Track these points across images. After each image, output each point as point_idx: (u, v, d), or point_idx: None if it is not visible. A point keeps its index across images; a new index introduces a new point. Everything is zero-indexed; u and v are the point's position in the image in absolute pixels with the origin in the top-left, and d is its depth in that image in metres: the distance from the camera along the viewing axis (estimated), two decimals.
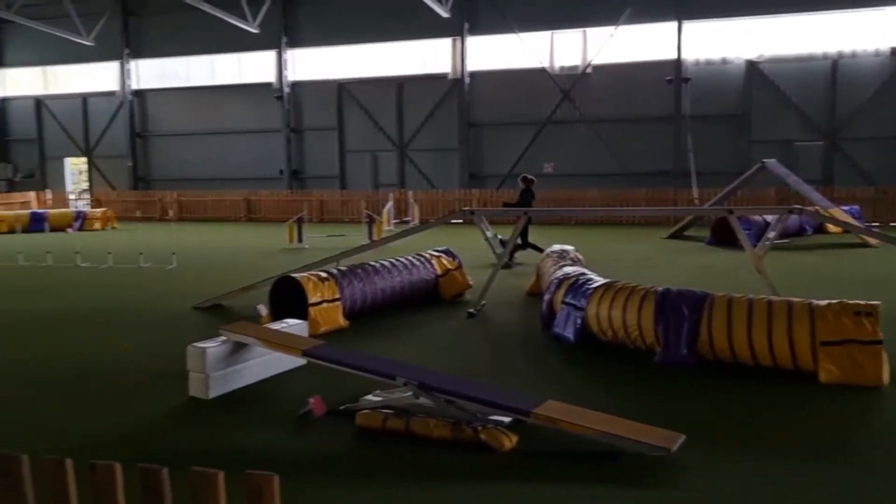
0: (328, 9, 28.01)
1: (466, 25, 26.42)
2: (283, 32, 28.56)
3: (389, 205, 22.82)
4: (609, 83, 25.25)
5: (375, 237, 17.33)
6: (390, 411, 5.29)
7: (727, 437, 5.14)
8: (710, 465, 4.61)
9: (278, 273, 9.47)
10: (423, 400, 5.26)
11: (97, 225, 24.07)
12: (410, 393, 5.32)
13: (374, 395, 5.64)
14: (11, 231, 23.03)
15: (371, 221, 18.93)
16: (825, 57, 23.43)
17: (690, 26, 24.31)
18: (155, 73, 31.06)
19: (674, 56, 24.44)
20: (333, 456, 4.92)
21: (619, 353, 7.30)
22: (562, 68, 25.78)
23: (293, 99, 29.24)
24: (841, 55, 23.30)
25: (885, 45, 22.89)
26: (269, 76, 29.26)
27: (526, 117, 26.18)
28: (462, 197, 25.42)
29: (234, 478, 2.40)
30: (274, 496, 2.11)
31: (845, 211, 17.49)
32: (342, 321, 8.74)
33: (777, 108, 23.86)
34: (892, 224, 20.84)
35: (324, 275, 9.04)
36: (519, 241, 13.51)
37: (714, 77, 24.42)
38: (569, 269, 8.90)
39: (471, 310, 9.48)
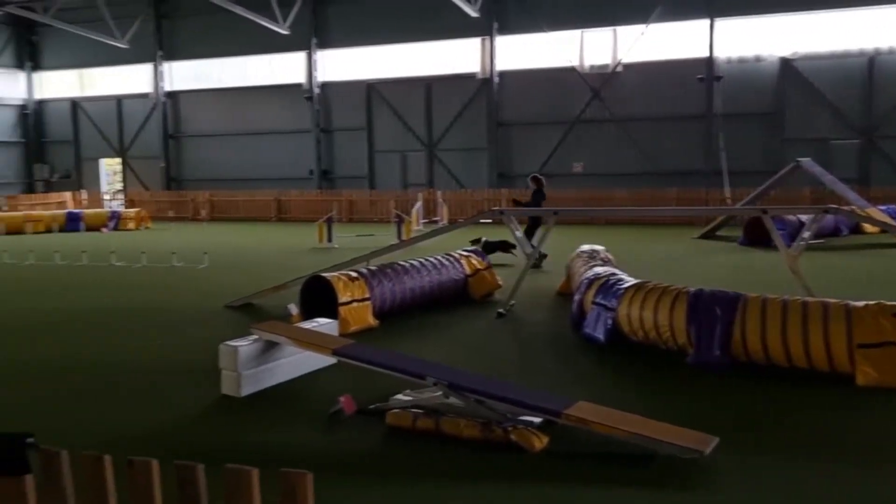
0: (357, 10, 28.14)
1: (495, 25, 26.38)
2: (313, 33, 28.75)
3: (418, 205, 22.89)
4: (639, 82, 25.05)
5: (404, 237, 17.38)
6: (420, 411, 5.30)
7: (762, 440, 5.06)
8: (744, 469, 4.55)
9: (308, 272, 9.53)
10: (452, 400, 5.25)
11: (131, 225, 24.42)
12: (440, 393, 5.32)
13: (404, 395, 5.65)
14: (49, 230, 23.48)
15: (400, 221, 18.99)
16: (861, 53, 23.00)
17: (723, 24, 24.01)
18: (187, 74, 31.45)
19: (705, 54, 24.16)
20: (363, 455, 4.94)
21: (651, 354, 7.24)
22: (591, 67, 25.63)
23: (323, 99, 29.42)
24: (878, 52, 22.86)
25: None
26: (299, 77, 29.48)
27: (555, 116, 26.06)
28: (491, 197, 25.39)
29: (266, 475, 2.42)
30: (307, 494, 2.12)
31: (882, 210, 17.16)
32: (372, 320, 8.78)
33: (812, 106, 23.47)
34: None
35: (354, 274, 9.08)
36: (504, 237, 13.45)
37: (747, 75, 24.10)
38: (599, 270, 8.85)
39: (500, 310, 9.46)
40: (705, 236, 18.73)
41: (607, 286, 7.90)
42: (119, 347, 8.11)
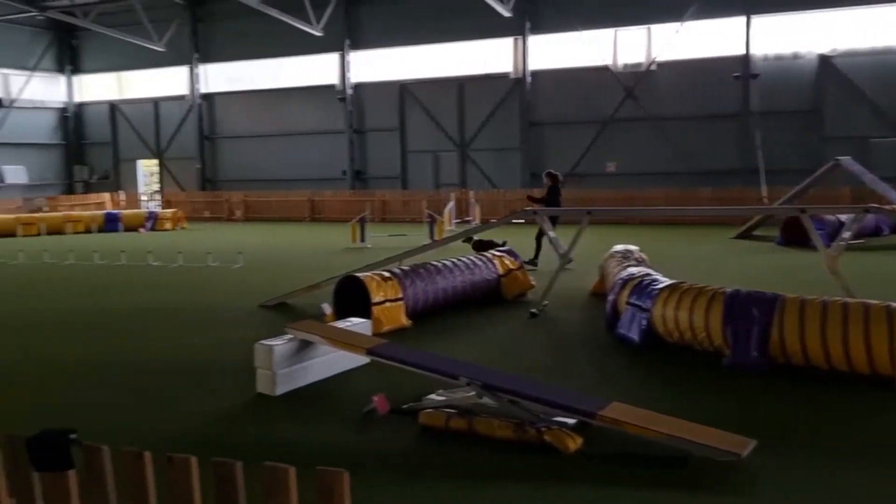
0: (390, 10, 28.25)
1: (528, 24, 26.31)
2: (346, 34, 28.93)
3: (451, 204, 22.89)
4: (674, 80, 24.80)
5: (437, 237, 17.40)
6: (453, 411, 5.30)
7: (800, 443, 4.98)
8: (782, 473, 4.48)
9: (342, 272, 9.59)
10: (486, 400, 5.25)
11: (168, 225, 24.81)
12: (473, 393, 5.32)
13: (437, 395, 5.66)
14: (88, 231, 23.95)
15: (432, 221, 19.01)
16: None
17: (759, 21, 23.67)
18: (222, 76, 31.88)
19: (742, 51, 23.85)
20: (397, 454, 4.95)
21: (686, 356, 7.16)
22: (625, 66, 25.44)
23: (356, 100, 29.59)
24: None
25: None
26: (333, 78, 29.68)
27: (588, 116, 25.91)
28: (523, 196, 25.21)
29: (302, 473, 2.44)
30: (344, 493, 2.14)
31: None
32: (405, 320, 8.80)
33: (851, 104, 23.01)
34: None
35: (387, 274, 9.12)
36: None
37: (784, 72, 23.72)
38: (633, 270, 8.78)
39: (533, 310, 9.43)
40: (741, 236, 18.47)
41: (642, 286, 7.83)
42: (157, 346, 8.24)
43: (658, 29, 24.81)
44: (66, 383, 6.86)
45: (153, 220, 24.91)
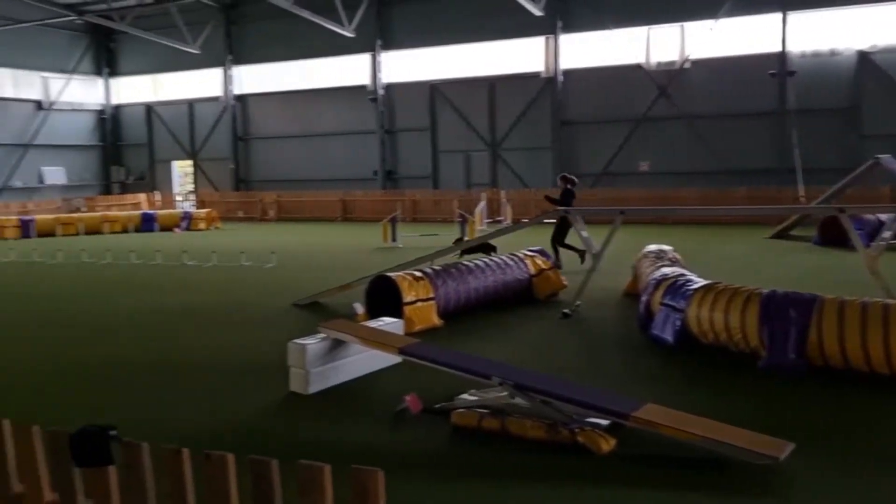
0: (421, 11, 28.31)
1: (559, 23, 26.18)
2: (378, 35, 29.04)
3: (482, 204, 22.85)
4: (708, 78, 24.50)
5: (468, 237, 17.38)
6: (486, 411, 5.29)
7: (839, 448, 4.88)
8: (820, 478, 4.40)
9: (374, 272, 9.63)
10: (518, 400, 5.23)
11: (202, 225, 25.11)
12: (506, 393, 5.30)
13: (470, 395, 5.66)
14: (125, 230, 24.35)
15: (464, 221, 19.00)
16: None
17: (796, 17, 23.29)
18: (256, 78, 32.20)
19: (778, 49, 23.49)
20: (429, 454, 4.96)
21: (721, 357, 7.07)
22: (658, 64, 25.20)
23: (387, 101, 29.70)
24: None
25: None
26: (364, 79, 29.82)
27: (620, 115, 25.72)
28: (555, 196, 25.13)
29: (335, 472, 2.45)
30: (379, 492, 2.14)
31: None
32: (436, 320, 8.81)
33: (891, 101, 22.51)
34: None
35: (418, 274, 9.14)
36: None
37: (822, 69, 23.30)
38: (667, 270, 8.69)
39: (565, 310, 9.37)
40: (778, 236, 18.18)
41: (676, 287, 7.75)
42: (192, 344, 8.35)
43: (692, 26, 24.52)
44: (103, 381, 6.98)
45: (188, 220, 25.24)
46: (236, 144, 32.90)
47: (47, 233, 23.21)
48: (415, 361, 5.96)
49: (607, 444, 4.81)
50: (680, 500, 4.16)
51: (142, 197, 31.71)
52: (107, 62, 35.15)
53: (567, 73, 26.59)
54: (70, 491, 2.70)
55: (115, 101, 35.69)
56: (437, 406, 5.61)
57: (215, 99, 32.90)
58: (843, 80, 23.11)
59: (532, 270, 10.40)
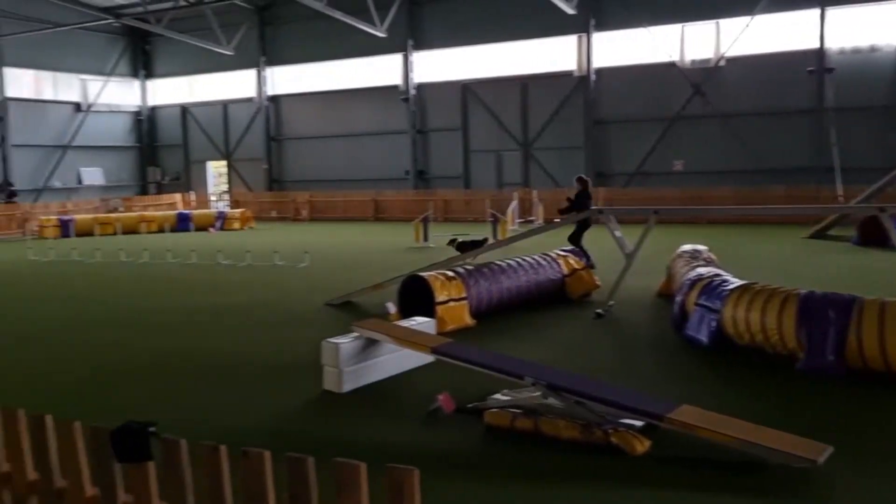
0: (453, 10, 28.32)
1: (592, 21, 26.00)
2: (409, 35, 29.11)
3: (514, 204, 22.80)
4: (744, 76, 24.15)
5: (500, 237, 17.35)
6: (519, 411, 5.28)
7: (879, 452, 4.79)
8: (859, 482, 4.32)
9: (406, 271, 9.65)
10: (551, 400, 5.21)
11: (236, 225, 25.38)
12: (539, 393, 5.29)
13: (502, 395, 5.65)
14: (161, 230, 24.71)
15: (495, 221, 18.97)
16: None
17: (834, 13, 22.86)
18: (288, 78, 32.47)
19: (816, 45, 23.07)
20: (462, 453, 4.96)
21: (757, 358, 6.97)
22: (693, 62, 24.90)
23: (418, 100, 29.75)
24: None
25: None
26: (396, 79, 29.92)
27: (654, 113, 25.47)
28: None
29: (369, 470, 2.46)
30: (415, 491, 2.15)
31: None
32: (469, 320, 8.81)
33: None
34: None
35: (450, 274, 9.14)
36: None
37: (861, 66, 22.83)
38: (702, 270, 8.59)
39: (598, 310, 9.31)
40: (815, 236, 17.87)
41: (711, 287, 7.66)
42: (226, 342, 8.45)
43: (727, 23, 24.18)
44: (143, 379, 7.09)
45: (222, 220, 25.53)
46: (269, 145, 33.21)
47: (86, 232, 23.65)
48: (447, 361, 5.96)
49: (641, 446, 4.77)
50: (714, 501, 4.11)
51: (177, 197, 32.16)
52: (143, 64, 35.72)
53: (600, 71, 26.40)
54: (111, 486, 2.74)
55: (151, 102, 36.25)
56: (469, 406, 5.61)
57: (249, 100, 33.25)
58: (883, 77, 22.61)
59: (565, 270, 10.35)
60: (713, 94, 24.59)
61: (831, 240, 17.33)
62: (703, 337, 7.42)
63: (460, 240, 14.37)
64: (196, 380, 6.96)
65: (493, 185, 28.37)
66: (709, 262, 9.68)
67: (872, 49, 22.77)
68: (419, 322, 7.33)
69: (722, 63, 24.45)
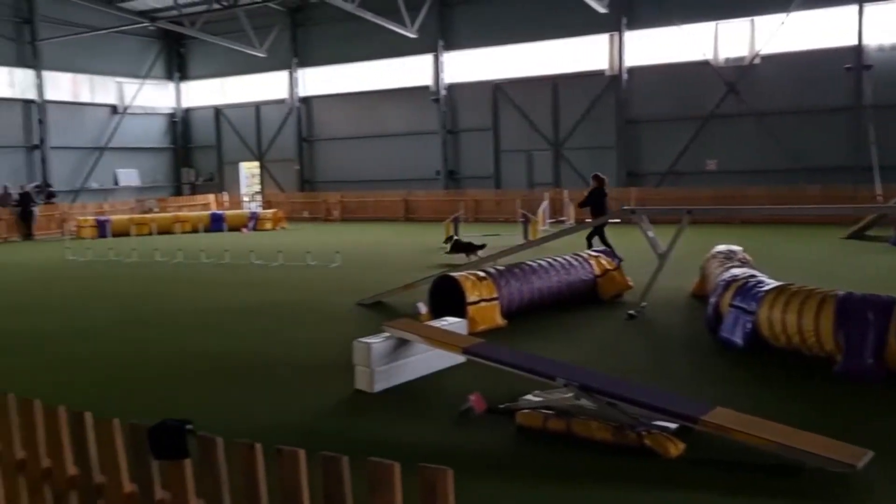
0: (483, 11, 28.29)
1: (624, 20, 25.79)
2: (440, 36, 29.14)
3: (545, 204, 22.71)
4: (779, 73, 23.78)
5: (531, 237, 17.30)
6: (551, 412, 5.25)
7: None
8: None
9: (437, 272, 9.66)
10: (583, 401, 5.18)
11: (268, 225, 25.61)
12: (571, 394, 5.26)
13: (534, 395, 5.63)
14: (195, 230, 25.03)
15: (526, 221, 18.91)
16: None
17: (873, 9, 22.41)
18: (320, 79, 32.70)
19: (854, 42, 22.64)
20: (494, 454, 4.95)
21: (793, 360, 6.86)
22: (727, 60, 24.58)
23: (449, 101, 29.77)
24: None
25: None
26: (426, 79, 29.96)
27: (687, 112, 25.19)
28: (619, 196, 24.79)
29: (401, 470, 2.46)
30: (448, 491, 2.15)
31: None
32: (500, 320, 8.79)
33: None
34: None
35: (481, 274, 9.13)
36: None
37: None
38: (737, 271, 8.48)
39: (631, 311, 9.24)
40: (853, 236, 17.54)
41: (746, 288, 7.55)
42: (260, 342, 8.54)
43: (762, 21, 23.84)
44: (178, 377, 7.19)
45: (255, 221, 25.79)
46: (301, 146, 33.47)
47: (122, 233, 24.04)
48: (479, 361, 5.96)
49: (675, 448, 4.72)
50: None
51: (211, 198, 32.55)
52: (177, 67, 36.20)
53: (632, 70, 26.18)
54: (148, 483, 2.78)
55: (185, 104, 36.74)
56: (501, 406, 5.60)
57: (281, 101, 33.53)
58: None
59: (597, 271, 10.28)
60: (747, 92, 24.25)
61: (869, 240, 17.00)
62: (738, 339, 7.32)
63: (456, 238, 14.54)
64: (230, 379, 7.04)
65: (524, 185, 28.27)
66: (744, 263, 9.55)
67: None
68: (450, 322, 7.34)
69: (757, 61, 24.11)
